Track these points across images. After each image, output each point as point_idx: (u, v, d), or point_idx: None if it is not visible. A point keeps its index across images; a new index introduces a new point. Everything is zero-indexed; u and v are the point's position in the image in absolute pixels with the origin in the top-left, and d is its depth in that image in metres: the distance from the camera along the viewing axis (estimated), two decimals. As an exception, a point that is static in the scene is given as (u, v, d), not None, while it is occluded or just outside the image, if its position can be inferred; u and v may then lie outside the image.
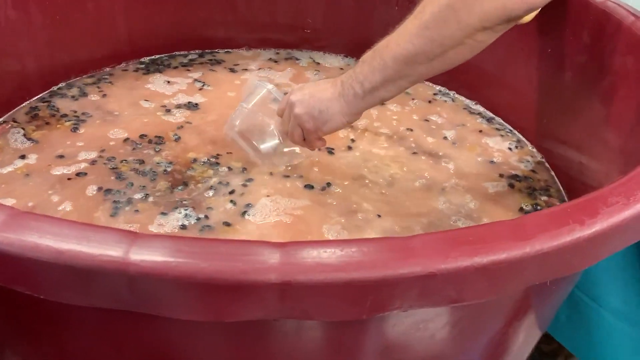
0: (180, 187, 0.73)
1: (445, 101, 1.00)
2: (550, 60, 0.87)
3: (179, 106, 0.91)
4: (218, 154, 0.80)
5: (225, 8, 1.07)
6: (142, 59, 1.03)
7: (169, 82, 0.97)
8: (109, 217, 0.67)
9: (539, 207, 0.76)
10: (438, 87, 1.04)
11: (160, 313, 0.36)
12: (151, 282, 0.34)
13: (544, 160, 0.87)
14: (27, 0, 0.85)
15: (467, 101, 1.01)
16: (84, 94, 0.93)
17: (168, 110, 0.90)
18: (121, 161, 0.78)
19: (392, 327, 0.44)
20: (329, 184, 0.77)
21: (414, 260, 0.35)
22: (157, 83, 0.97)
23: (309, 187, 0.76)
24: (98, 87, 0.94)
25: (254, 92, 0.77)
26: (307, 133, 0.70)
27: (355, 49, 1.11)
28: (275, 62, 1.08)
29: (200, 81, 0.99)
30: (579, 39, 0.81)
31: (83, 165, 0.77)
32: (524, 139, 0.92)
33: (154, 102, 0.92)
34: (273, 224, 0.69)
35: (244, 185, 0.75)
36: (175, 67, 1.02)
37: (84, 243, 0.35)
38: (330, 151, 0.83)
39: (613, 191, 0.43)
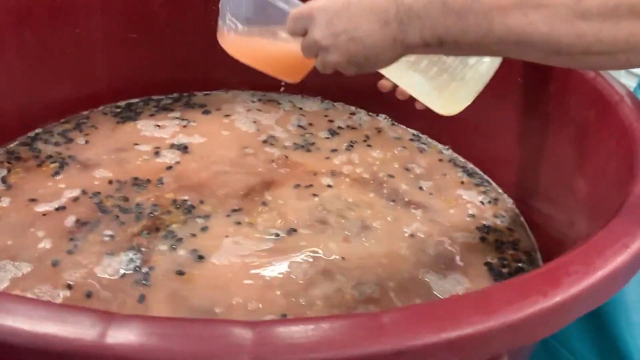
0: (147, 232, 0.74)
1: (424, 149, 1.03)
2: (520, 108, 0.90)
3: (169, 147, 0.92)
4: (201, 200, 0.81)
5: (204, 50, 1.08)
6: (119, 103, 1.03)
7: (156, 125, 0.98)
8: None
9: (505, 261, 0.78)
10: (412, 131, 1.07)
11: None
12: (127, 364, 0.35)
13: (518, 212, 0.89)
14: (5, 43, 0.86)
15: (444, 149, 1.03)
16: (67, 139, 0.93)
17: (157, 153, 0.91)
18: (106, 196, 0.80)
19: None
20: (294, 230, 0.78)
21: (384, 339, 0.37)
22: (141, 126, 0.98)
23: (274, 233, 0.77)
24: (80, 131, 0.95)
25: None
26: (344, 73, 0.58)
27: (330, 91, 1.14)
28: (260, 102, 1.10)
29: (184, 119, 1.01)
30: (546, 88, 0.85)
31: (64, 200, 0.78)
32: (498, 188, 0.94)
33: (142, 144, 0.93)
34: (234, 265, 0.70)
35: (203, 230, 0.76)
36: (156, 111, 1.03)
37: (60, 326, 0.35)
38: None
39: (573, 259, 0.45)
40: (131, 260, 0.70)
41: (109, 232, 0.74)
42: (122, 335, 0.35)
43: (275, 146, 0.97)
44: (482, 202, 0.89)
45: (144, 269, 0.69)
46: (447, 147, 1.03)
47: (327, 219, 0.80)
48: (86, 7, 0.93)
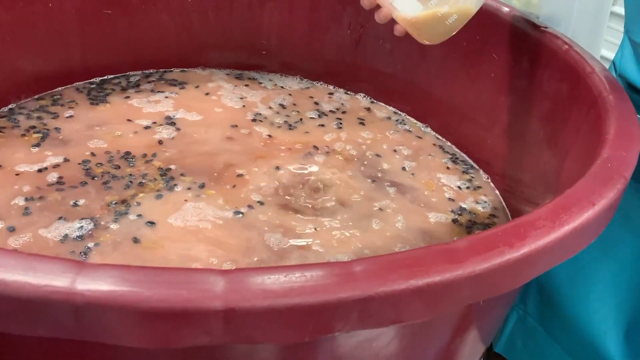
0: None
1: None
2: (495, 84, 0.91)
3: (157, 123, 0.92)
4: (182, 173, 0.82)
5: (180, 28, 1.08)
6: (93, 80, 1.02)
7: (148, 100, 0.98)
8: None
9: None
10: (391, 108, 1.07)
11: (107, 341, 0.37)
12: (97, 311, 0.35)
13: (501, 200, 0.88)
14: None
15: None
16: (48, 113, 0.92)
17: (147, 127, 0.91)
18: (97, 164, 0.80)
19: (337, 347, 0.46)
20: (261, 203, 0.78)
21: (353, 284, 0.37)
22: (132, 102, 0.97)
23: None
24: (61, 106, 0.94)
25: None
26: None
27: (309, 70, 1.14)
28: (241, 80, 1.10)
29: (168, 96, 1.00)
30: (520, 65, 0.86)
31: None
32: (484, 176, 0.93)
33: (137, 120, 0.93)
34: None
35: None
36: (136, 86, 1.02)
37: (30, 274, 0.35)
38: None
39: (541, 215, 0.46)
40: (81, 228, 0.70)
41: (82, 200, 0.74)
42: (92, 282, 0.35)
43: (263, 124, 0.97)
44: (460, 187, 0.88)
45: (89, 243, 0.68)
46: (425, 125, 1.04)
47: (299, 195, 0.81)
48: (59, -20, 0.92)
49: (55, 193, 0.76)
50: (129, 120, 0.93)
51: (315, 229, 0.75)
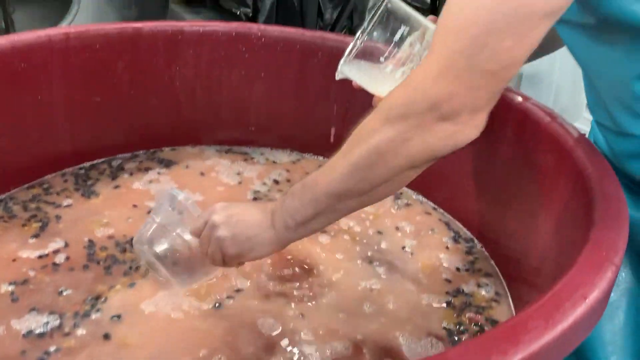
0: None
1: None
2: (483, 154, 0.91)
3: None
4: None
5: (169, 109, 1.09)
6: (83, 165, 1.03)
7: (139, 183, 0.99)
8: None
9: (461, 327, 0.75)
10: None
11: None
12: None
13: (502, 280, 0.85)
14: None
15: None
16: (42, 202, 0.93)
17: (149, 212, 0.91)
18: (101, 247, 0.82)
19: None
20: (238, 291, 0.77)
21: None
22: (122, 184, 0.98)
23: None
24: (56, 194, 0.95)
25: (164, 202, 0.73)
26: (228, 258, 0.67)
27: (299, 143, 1.15)
28: (233, 154, 1.11)
29: (162, 174, 1.01)
30: (504, 135, 0.87)
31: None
32: (484, 251, 0.90)
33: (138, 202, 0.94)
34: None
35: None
36: (130, 171, 1.03)
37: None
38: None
39: (533, 315, 0.45)
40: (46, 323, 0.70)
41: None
42: None
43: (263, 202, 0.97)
44: (459, 269, 0.86)
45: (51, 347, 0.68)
46: (425, 198, 1.03)
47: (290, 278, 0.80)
48: (47, 74, 0.93)
49: (47, 277, 0.76)
50: (134, 205, 0.93)
51: (301, 315, 0.74)
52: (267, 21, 1.88)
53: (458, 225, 0.96)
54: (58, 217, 0.89)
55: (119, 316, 0.72)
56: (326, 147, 1.11)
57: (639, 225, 0.68)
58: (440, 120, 0.55)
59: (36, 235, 0.85)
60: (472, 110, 0.55)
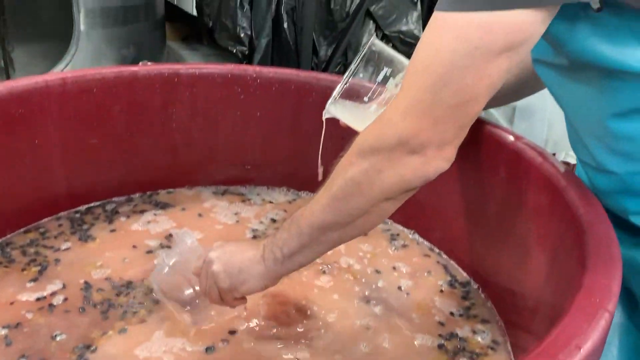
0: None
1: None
2: (476, 193, 0.92)
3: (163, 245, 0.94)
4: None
5: (165, 151, 1.10)
6: (79, 208, 1.03)
7: (139, 224, 1.00)
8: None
9: None
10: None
11: None
12: None
13: (502, 325, 0.84)
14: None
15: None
16: (40, 246, 0.93)
17: (149, 252, 0.92)
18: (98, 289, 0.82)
19: None
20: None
21: None
22: (106, 234, 0.97)
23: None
24: (54, 238, 0.95)
25: (177, 243, 0.77)
26: (222, 292, 0.69)
27: (295, 181, 1.15)
28: (229, 195, 1.12)
29: (160, 216, 1.02)
30: (497, 174, 0.87)
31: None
32: (481, 294, 0.89)
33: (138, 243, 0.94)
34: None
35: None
36: (127, 214, 1.03)
37: None
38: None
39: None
40: None
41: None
42: None
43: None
44: (453, 314, 0.85)
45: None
46: (412, 231, 1.04)
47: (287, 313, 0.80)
48: (44, 119, 0.94)
49: (42, 319, 0.76)
50: (134, 246, 0.94)
51: (297, 359, 0.73)
52: (263, 59, 1.91)
53: (456, 269, 0.95)
54: (57, 261, 0.90)
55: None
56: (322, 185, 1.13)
57: (625, 260, 0.69)
58: (409, 153, 0.58)
59: (35, 279, 0.85)
60: (439, 144, 0.58)
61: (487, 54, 0.54)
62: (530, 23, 0.53)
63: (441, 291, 0.89)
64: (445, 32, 0.55)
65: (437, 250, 1.00)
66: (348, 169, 0.61)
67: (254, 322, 0.78)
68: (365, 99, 0.74)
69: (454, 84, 0.55)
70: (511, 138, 0.86)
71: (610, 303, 0.53)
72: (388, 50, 0.74)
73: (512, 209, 0.84)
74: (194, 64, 1.23)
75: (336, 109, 0.76)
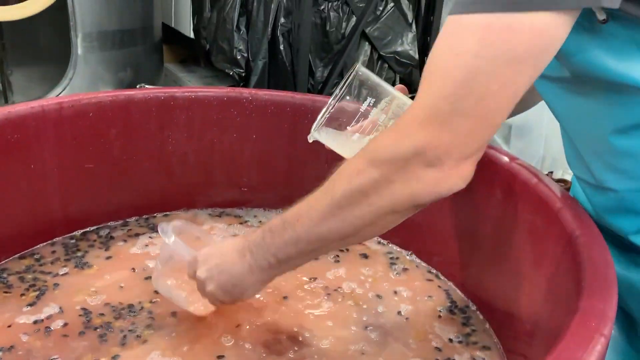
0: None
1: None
2: (471, 215, 0.92)
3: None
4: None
5: (161, 174, 1.10)
6: (74, 233, 1.02)
7: (136, 248, 0.99)
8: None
9: None
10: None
11: None
12: None
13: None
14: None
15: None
16: (37, 272, 0.92)
17: (147, 278, 0.90)
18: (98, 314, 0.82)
19: None
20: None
21: None
22: (101, 261, 0.97)
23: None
24: (51, 263, 0.94)
25: (162, 247, 0.79)
26: (227, 304, 0.71)
27: (292, 203, 1.15)
28: (226, 217, 1.11)
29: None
30: (492, 196, 0.87)
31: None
32: (485, 324, 0.87)
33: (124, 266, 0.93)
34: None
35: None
36: (123, 238, 1.02)
37: None
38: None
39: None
40: None
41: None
42: None
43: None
44: (452, 340, 0.83)
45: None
46: (409, 252, 1.03)
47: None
48: (40, 144, 0.94)
49: (38, 342, 0.75)
50: (132, 269, 0.93)
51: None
52: (260, 80, 1.92)
53: (457, 293, 0.94)
54: (56, 285, 0.89)
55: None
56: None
57: (621, 280, 0.68)
58: (425, 166, 0.54)
59: (32, 303, 0.84)
60: (458, 158, 0.54)
61: (512, 60, 0.50)
62: (552, 27, 0.50)
63: (439, 317, 0.88)
64: (465, 35, 0.51)
65: (435, 272, 0.99)
66: (355, 176, 0.58)
67: (243, 351, 0.77)
68: (349, 127, 0.74)
69: (477, 92, 0.51)
70: (506, 159, 0.86)
71: (606, 328, 0.52)
72: (373, 77, 0.75)
73: (507, 231, 0.84)
74: (190, 88, 1.24)
75: (320, 135, 0.76)
